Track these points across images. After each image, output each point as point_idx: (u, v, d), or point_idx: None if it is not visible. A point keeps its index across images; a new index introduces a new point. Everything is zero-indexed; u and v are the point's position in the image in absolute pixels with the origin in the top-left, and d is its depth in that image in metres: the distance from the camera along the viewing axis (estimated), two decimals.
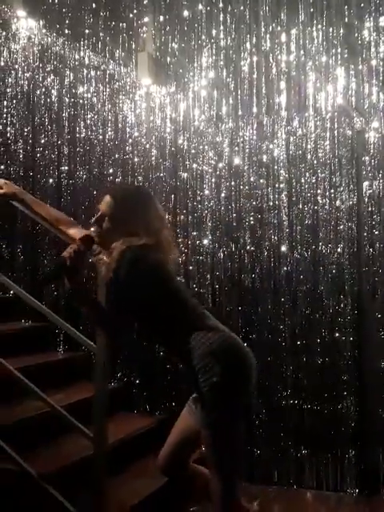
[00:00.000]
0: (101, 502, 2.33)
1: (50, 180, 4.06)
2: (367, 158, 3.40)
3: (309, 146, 3.52)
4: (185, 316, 1.96)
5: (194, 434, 2.01)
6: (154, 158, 3.85)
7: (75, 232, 2.33)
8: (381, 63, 3.39)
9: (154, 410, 3.66)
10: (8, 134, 4.19)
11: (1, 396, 2.85)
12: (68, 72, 4.06)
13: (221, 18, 3.70)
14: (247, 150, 3.63)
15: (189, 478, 2.19)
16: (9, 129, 4.20)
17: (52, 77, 4.10)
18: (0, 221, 4.18)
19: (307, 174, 3.50)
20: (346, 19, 3.45)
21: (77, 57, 4.04)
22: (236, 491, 1.91)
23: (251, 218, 3.60)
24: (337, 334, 3.40)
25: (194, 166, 3.74)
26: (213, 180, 3.67)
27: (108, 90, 4.00)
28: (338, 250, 3.42)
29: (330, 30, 3.47)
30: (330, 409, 3.37)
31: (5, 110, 4.20)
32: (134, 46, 3.95)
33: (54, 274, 1.99)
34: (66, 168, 4.04)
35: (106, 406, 2.39)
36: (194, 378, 1.90)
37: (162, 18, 3.86)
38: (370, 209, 3.39)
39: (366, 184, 3.41)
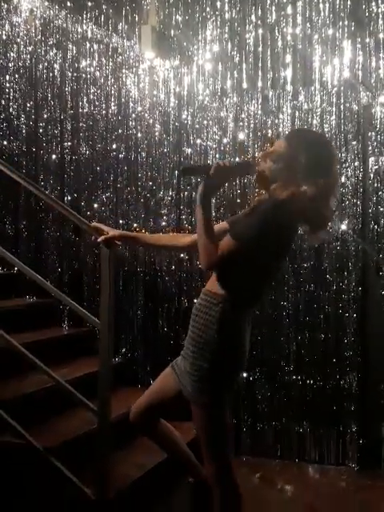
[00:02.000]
0: (104, 475, 2.36)
1: (53, 156, 4.04)
2: (373, 133, 3.36)
3: (314, 121, 3.47)
4: (251, 287, 1.93)
5: (171, 395, 2.04)
6: (157, 134, 3.82)
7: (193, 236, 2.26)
8: None
9: None
10: (10, 109, 4.16)
11: (6, 371, 2.87)
12: (70, 46, 4.00)
13: None
14: (252, 125, 3.59)
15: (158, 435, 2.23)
16: (11, 104, 4.16)
17: (54, 51, 4.04)
18: (3, 197, 4.18)
19: None
20: None
21: (79, 30, 3.98)
22: (227, 462, 1.93)
23: (255, 195, 3.57)
24: (340, 311, 3.40)
25: (198, 141, 3.71)
26: (217, 155, 3.64)
27: (111, 63, 3.94)
28: (343, 226, 3.40)
29: (337, 2, 3.39)
30: (332, 384, 3.39)
31: (7, 85, 4.16)
32: (137, 19, 3.88)
33: (195, 170, 2.05)
34: (69, 144, 4.01)
35: (110, 380, 2.41)
36: (192, 343, 1.91)
37: None
38: (375, 185, 3.36)
39: (371, 160, 3.37)
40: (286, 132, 3.48)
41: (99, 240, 2.32)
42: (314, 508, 2.80)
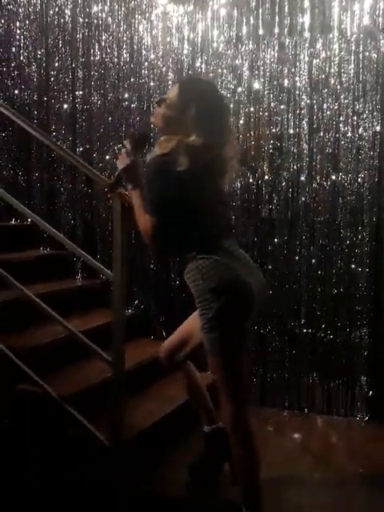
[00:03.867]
0: (117, 423, 2.43)
1: (65, 105, 3.97)
2: None
3: (332, 70, 3.37)
4: (195, 235, 1.95)
5: (198, 340, 2.12)
6: (170, 82, 3.72)
7: None
8: None
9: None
10: (21, 57, 4.07)
11: (21, 322, 2.92)
12: None
13: None
14: (268, 74, 3.49)
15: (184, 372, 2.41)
16: (22, 51, 4.07)
17: None
18: (15, 148, 4.14)
19: (330, 100, 3.38)
20: None
21: None
22: (244, 411, 1.99)
23: (270, 146, 3.51)
24: (353, 265, 3.38)
25: None
26: (231, 105, 3.54)
27: (123, 9, 3.81)
28: (359, 180, 3.34)
29: None
30: (342, 338, 3.41)
31: (17, 32, 4.06)
32: None
33: (115, 184, 2.18)
34: (81, 93, 3.93)
35: (123, 330, 2.44)
36: (197, 303, 1.98)
37: None
38: None
39: None
40: (303, 82, 3.40)
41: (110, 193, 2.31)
42: (321, 457, 2.86)
